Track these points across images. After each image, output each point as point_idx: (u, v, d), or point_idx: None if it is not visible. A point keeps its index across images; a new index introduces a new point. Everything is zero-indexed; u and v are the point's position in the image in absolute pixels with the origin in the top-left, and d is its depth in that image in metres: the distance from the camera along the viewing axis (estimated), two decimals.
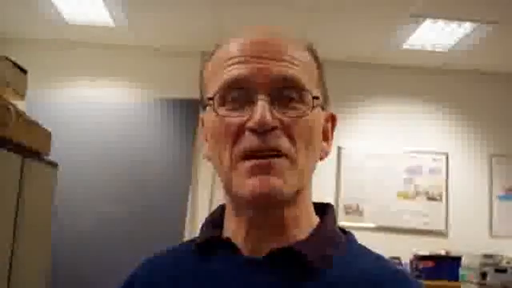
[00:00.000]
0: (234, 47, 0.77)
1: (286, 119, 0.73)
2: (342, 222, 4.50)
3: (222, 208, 0.85)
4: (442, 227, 4.65)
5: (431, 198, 4.68)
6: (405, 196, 4.68)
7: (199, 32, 4.22)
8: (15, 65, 2.24)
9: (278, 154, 0.72)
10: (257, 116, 0.71)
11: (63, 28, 4.37)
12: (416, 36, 4.17)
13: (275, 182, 0.71)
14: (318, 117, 0.78)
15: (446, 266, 4.16)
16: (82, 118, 4.52)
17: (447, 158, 4.75)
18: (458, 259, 4.13)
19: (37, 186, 2.42)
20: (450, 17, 3.80)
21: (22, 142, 2.19)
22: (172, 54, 4.59)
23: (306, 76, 0.76)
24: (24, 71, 2.33)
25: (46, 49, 4.66)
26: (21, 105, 2.30)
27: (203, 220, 0.86)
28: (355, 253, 0.80)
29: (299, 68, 0.76)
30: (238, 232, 0.78)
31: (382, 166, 4.69)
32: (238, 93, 0.74)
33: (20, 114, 2.18)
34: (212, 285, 0.76)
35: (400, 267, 0.81)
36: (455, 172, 4.75)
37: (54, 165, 2.65)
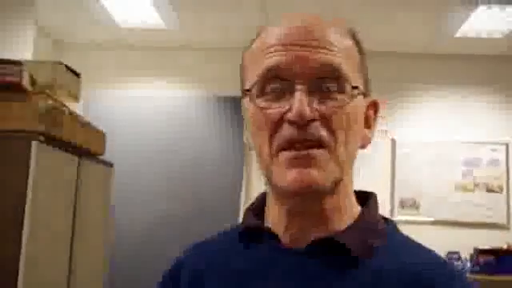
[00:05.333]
0: (272, 36, 0.75)
1: (325, 110, 0.71)
2: (398, 216, 4.43)
3: (262, 196, 0.85)
4: (503, 220, 4.50)
5: (491, 190, 4.54)
6: (463, 188, 4.55)
7: (249, 30, 4.22)
8: (68, 68, 2.31)
9: (318, 145, 0.71)
10: (295, 108, 0.70)
11: (115, 31, 4.47)
12: (469, 23, 4.05)
13: (315, 174, 0.71)
14: (358, 106, 0.75)
15: (507, 260, 4.02)
16: (135, 118, 4.62)
17: (507, 148, 4.59)
18: None
19: (93, 185, 2.48)
20: (504, 1, 3.66)
21: (77, 142, 2.25)
22: (223, 53, 4.62)
23: (346, 63, 0.74)
24: (77, 74, 2.40)
25: (100, 52, 4.78)
26: (75, 107, 2.37)
27: None
28: (398, 243, 0.78)
29: (339, 55, 0.73)
30: (278, 221, 0.78)
31: (438, 158, 4.58)
32: (277, 82, 0.73)
33: (74, 116, 2.25)
34: (254, 272, 0.76)
35: (444, 258, 0.79)
36: None
37: (109, 165, 2.71)
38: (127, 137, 4.50)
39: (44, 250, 2.02)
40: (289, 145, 0.71)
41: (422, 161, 4.58)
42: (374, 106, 0.82)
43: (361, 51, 0.79)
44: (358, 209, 0.81)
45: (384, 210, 4.24)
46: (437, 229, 4.46)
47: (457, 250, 4.21)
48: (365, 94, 0.78)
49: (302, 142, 0.71)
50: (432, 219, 4.52)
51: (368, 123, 0.81)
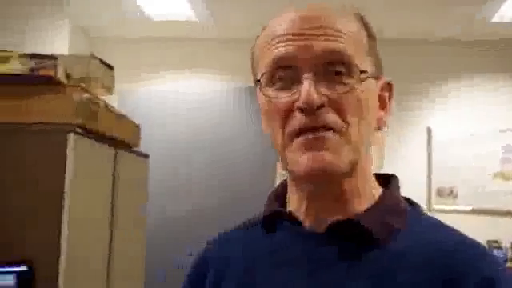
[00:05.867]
0: (278, 26, 0.77)
1: (333, 95, 0.73)
2: (436, 205, 4.37)
3: (284, 183, 0.87)
4: None
5: None
6: (502, 176, 4.45)
7: None
8: (102, 62, 2.34)
9: (329, 130, 0.73)
10: (303, 96, 0.71)
11: (147, 25, 4.51)
12: (505, 8, 3.94)
13: (328, 156, 0.72)
14: (368, 89, 0.76)
15: None
16: (168, 111, 4.66)
17: None
18: None
19: (129, 176, 2.51)
20: None
21: (113, 135, 2.28)
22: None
23: (353, 48, 0.75)
24: (111, 68, 2.42)
25: (132, 46, 4.82)
26: (110, 100, 2.40)
27: None
28: (421, 224, 0.78)
29: (346, 41, 0.74)
30: (299, 206, 0.80)
31: (475, 146, 4.49)
32: (285, 72, 0.75)
33: (109, 108, 2.27)
34: (276, 256, 0.79)
35: (473, 239, 0.77)
36: None
37: (145, 156, 2.74)
38: (161, 130, 4.54)
39: (83, 241, 2.06)
40: (300, 132, 0.73)
41: (459, 149, 4.50)
42: (388, 87, 0.83)
43: (370, 35, 0.79)
44: (378, 191, 0.81)
45: (421, 199, 4.19)
46: (475, 218, 4.37)
47: (496, 238, 4.13)
48: (376, 77, 0.79)
49: (313, 129, 0.72)
50: (470, 208, 4.44)
51: (383, 105, 0.82)
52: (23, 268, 1.91)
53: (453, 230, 0.78)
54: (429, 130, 4.54)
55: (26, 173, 1.95)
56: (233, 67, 4.72)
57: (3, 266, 1.89)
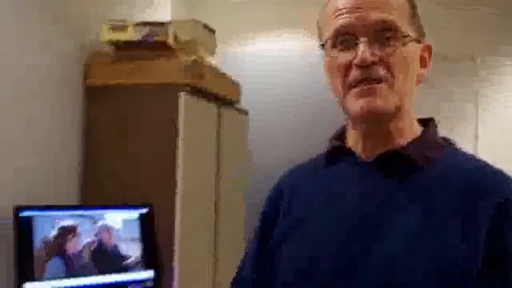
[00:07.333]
0: (340, 0, 0.97)
1: (383, 54, 0.92)
2: None
3: (342, 128, 1.09)
4: None
5: None
6: None
7: None
8: (205, 26, 2.56)
9: (379, 81, 0.92)
10: (359, 55, 0.92)
11: None
12: None
13: (378, 101, 0.93)
14: (411, 49, 0.96)
15: None
16: (266, 68, 4.83)
17: None
18: None
19: (232, 131, 2.75)
20: None
21: (216, 92, 2.51)
22: None
23: (399, 17, 0.94)
24: (213, 31, 2.64)
25: (232, 8, 5.02)
26: (212, 60, 2.63)
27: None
28: (455, 156, 0.99)
29: (393, 11, 0.94)
30: (356, 142, 1.02)
31: None
32: (345, 38, 0.95)
33: (213, 68, 2.50)
34: (336, 183, 1.01)
35: (501, 170, 0.95)
36: None
37: (245, 112, 2.97)
38: (260, 88, 4.73)
39: (194, 192, 2.33)
40: (356, 83, 0.94)
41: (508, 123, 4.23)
42: (428, 49, 1.03)
43: (413, 5, 0.99)
44: (419, 130, 1.02)
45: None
46: None
47: None
48: (418, 41, 0.99)
49: (366, 81, 0.93)
50: None
51: (424, 63, 1.02)
52: (144, 210, 2.23)
53: (483, 161, 0.97)
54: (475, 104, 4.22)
55: (145, 126, 2.24)
56: None
57: (129, 209, 2.21)
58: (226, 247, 2.60)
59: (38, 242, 1.91)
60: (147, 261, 2.17)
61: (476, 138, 4.26)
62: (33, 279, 1.88)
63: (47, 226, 1.95)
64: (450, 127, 3.87)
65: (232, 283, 1.14)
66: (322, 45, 1.00)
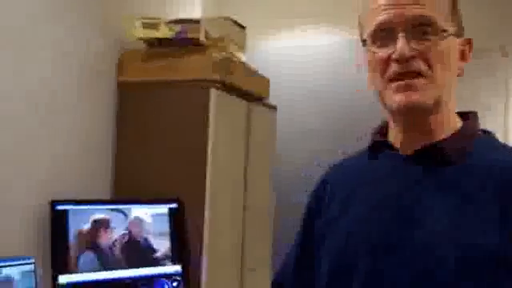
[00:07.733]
0: None
1: (421, 48, 0.94)
2: None
3: (383, 123, 1.11)
4: None
5: None
6: None
7: None
8: (235, 22, 2.57)
9: (417, 75, 0.94)
10: (397, 49, 0.94)
11: None
12: None
13: (416, 95, 0.95)
14: (450, 44, 0.97)
15: None
16: (295, 63, 4.82)
17: None
18: None
19: (261, 127, 2.77)
20: None
21: (245, 88, 2.53)
22: None
23: (437, 13, 0.96)
24: (243, 27, 2.66)
25: (260, 4, 5.02)
26: (242, 56, 2.65)
27: None
28: (494, 148, 1.01)
29: (431, 7, 0.96)
30: (396, 136, 1.04)
31: None
32: (385, 33, 0.97)
33: (242, 64, 2.52)
34: (377, 176, 1.04)
35: None
36: None
37: (273, 108, 2.98)
38: (289, 83, 4.73)
39: (223, 187, 2.36)
40: (395, 77, 0.96)
41: None
42: (469, 42, 1.04)
43: (453, 0, 1.01)
44: (459, 124, 1.03)
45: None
46: None
47: None
48: (458, 35, 1.00)
49: (405, 75, 0.95)
50: None
51: (464, 57, 1.03)
52: (174, 205, 2.26)
53: None
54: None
55: (176, 122, 2.28)
56: (355, 20, 4.76)
57: (159, 203, 2.25)
58: (254, 242, 2.62)
59: (72, 236, 1.96)
60: (176, 255, 2.20)
61: (506, 130, 4.21)
62: (67, 271, 1.93)
63: (81, 220, 2.00)
64: (479, 120, 3.83)
65: (276, 274, 1.20)
66: (364, 41, 1.02)
